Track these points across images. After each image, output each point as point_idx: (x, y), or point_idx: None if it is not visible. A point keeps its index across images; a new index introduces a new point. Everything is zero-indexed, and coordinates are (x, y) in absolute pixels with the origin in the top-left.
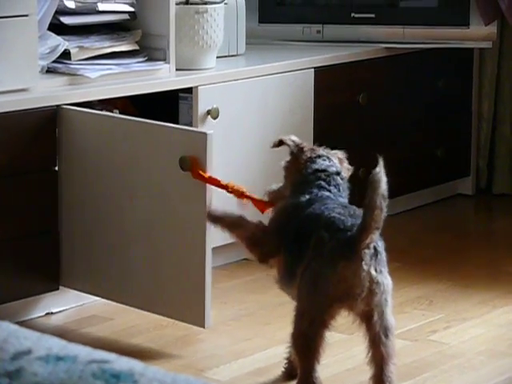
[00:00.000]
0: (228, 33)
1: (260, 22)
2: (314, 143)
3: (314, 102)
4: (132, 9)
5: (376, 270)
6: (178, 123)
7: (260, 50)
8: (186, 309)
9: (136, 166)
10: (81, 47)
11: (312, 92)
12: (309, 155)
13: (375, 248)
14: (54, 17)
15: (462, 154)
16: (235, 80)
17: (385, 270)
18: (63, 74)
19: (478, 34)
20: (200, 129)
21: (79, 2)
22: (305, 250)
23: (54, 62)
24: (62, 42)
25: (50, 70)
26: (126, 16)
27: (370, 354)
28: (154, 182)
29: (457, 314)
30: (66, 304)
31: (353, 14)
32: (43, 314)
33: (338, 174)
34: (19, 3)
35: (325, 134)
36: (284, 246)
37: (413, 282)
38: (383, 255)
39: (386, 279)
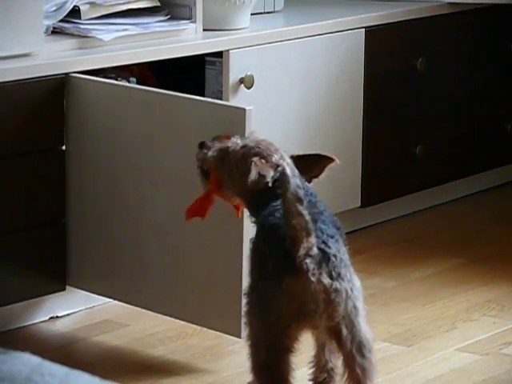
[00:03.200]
0: None
1: None
2: (364, 116)
3: (365, 68)
4: None
5: (332, 277)
6: (203, 92)
7: (300, 6)
8: (219, 315)
9: (158, 146)
10: (92, 4)
11: (362, 56)
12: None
13: (323, 250)
14: None
15: None
16: (272, 42)
17: (346, 271)
18: (72, 35)
19: None
20: (232, 100)
21: None
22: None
23: (61, 21)
24: None
25: (56, 31)
26: None
27: (345, 377)
28: (180, 165)
29: None
30: (73, 307)
31: None
32: (47, 318)
33: None
34: None
35: (376, 106)
36: None
37: (480, 283)
38: (340, 254)
39: (348, 283)
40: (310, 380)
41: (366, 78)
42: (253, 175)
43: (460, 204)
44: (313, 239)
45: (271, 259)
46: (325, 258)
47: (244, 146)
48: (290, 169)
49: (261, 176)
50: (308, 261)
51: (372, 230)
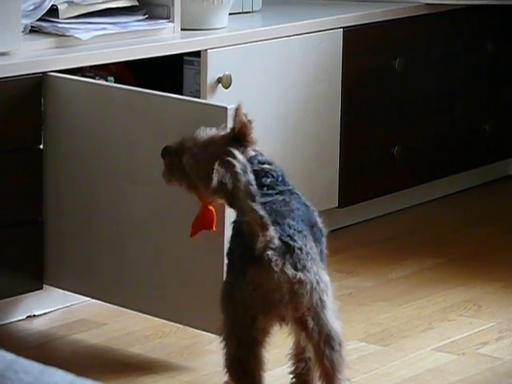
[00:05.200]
0: None
1: None
2: (341, 116)
3: (342, 68)
4: None
5: (296, 268)
6: (181, 92)
7: (278, 6)
8: (199, 313)
9: (136, 145)
10: (70, 3)
11: (340, 56)
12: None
13: (287, 243)
14: None
15: None
16: (250, 42)
17: (312, 264)
18: (50, 34)
19: None
20: (210, 100)
21: None
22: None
23: (39, 20)
24: None
25: (34, 30)
26: None
27: (315, 369)
28: (159, 164)
29: (511, 323)
30: (50, 305)
31: None
32: (24, 317)
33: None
34: None
35: (354, 106)
36: None
37: (457, 283)
38: (306, 248)
39: (315, 275)
40: (289, 373)
41: (344, 78)
42: (214, 182)
43: (438, 204)
44: (271, 233)
45: (236, 252)
46: (289, 250)
47: (202, 160)
48: (240, 166)
49: (222, 182)
50: (269, 252)
51: (349, 231)
